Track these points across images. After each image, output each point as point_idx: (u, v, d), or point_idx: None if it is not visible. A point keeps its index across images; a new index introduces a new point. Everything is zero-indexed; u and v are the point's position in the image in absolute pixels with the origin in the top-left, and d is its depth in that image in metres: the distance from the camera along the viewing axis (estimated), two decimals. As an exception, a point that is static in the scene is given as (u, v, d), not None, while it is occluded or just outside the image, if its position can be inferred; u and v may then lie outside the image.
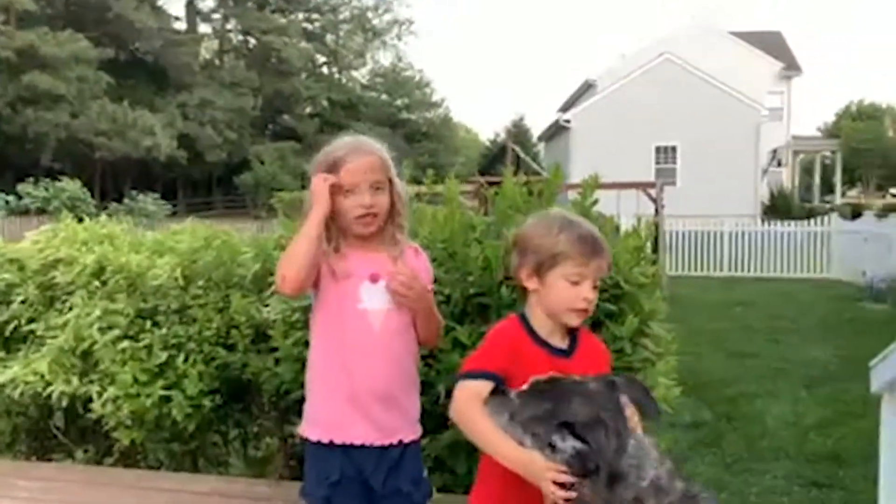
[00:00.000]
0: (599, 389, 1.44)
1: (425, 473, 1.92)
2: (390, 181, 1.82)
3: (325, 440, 1.78)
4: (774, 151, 26.12)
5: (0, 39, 31.00)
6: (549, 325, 1.62)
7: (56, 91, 31.38)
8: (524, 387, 1.49)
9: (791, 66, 28.54)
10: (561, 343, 1.63)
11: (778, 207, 22.81)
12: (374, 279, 1.79)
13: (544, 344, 1.60)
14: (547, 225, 1.63)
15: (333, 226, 1.80)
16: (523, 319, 1.64)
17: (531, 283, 1.62)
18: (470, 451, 2.28)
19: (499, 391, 1.50)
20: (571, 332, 1.65)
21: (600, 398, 1.42)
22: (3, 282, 2.99)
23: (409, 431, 1.84)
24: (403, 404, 1.83)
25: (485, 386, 1.52)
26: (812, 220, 14.09)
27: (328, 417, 1.80)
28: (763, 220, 16.56)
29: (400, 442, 1.80)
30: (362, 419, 1.77)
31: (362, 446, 1.76)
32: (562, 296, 1.58)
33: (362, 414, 1.77)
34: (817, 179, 29.07)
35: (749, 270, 13.65)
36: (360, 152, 1.80)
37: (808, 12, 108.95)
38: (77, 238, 2.98)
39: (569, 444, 1.38)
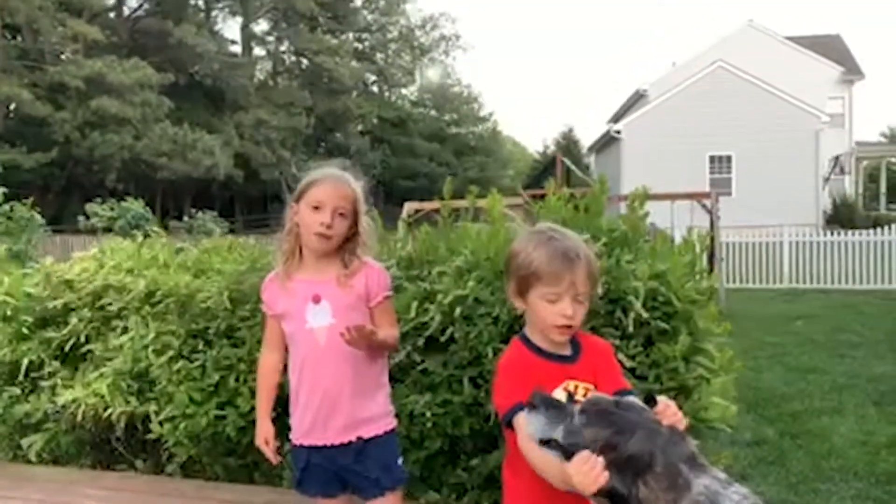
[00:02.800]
0: (666, 432, 1.39)
1: (400, 461, 2.10)
2: (357, 214, 2.02)
3: (297, 443, 2.08)
4: (836, 159, 25.19)
5: (69, 69, 32.58)
6: (547, 338, 1.65)
7: (122, 115, 32.76)
8: (587, 404, 1.45)
9: (852, 70, 27.55)
10: (565, 350, 1.66)
11: (841, 216, 21.97)
12: (316, 300, 1.99)
13: (550, 356, 1.63)
14: (526, 242, 1.66)
15: (296, 239, 2.03)
16: (524, 339, 1.68)
17: (519, 304, 1.67)
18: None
19: (554, 403, 1.47)
20: (572, 338, 1.68)
21: (662, 439, 1.37)
22: (59, 303, 3.10)
23: (372, 428, 2.04)
24: (360, 405, 2.02)
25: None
26: (878, 230, 13.50)
27: (296, 426, 2.07)
28: (825, 230, 15.97)
29: (359, 438, 2.02)
30: (321, 425, 2.01)
31: (323, 446, 2.02)
32: (542, 315, 1.61)
33: (320, 421, 2.01)
34: (883, 187, 27.87)
35: (811, 282, 13.16)
36: (334, 180, 2.01)
37: (868, 14, 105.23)
38: (122, 266, 3.07)
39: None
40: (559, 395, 1.59)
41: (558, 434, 1.42)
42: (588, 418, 1.41)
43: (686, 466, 1.33)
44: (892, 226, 13.51)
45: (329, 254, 2.01)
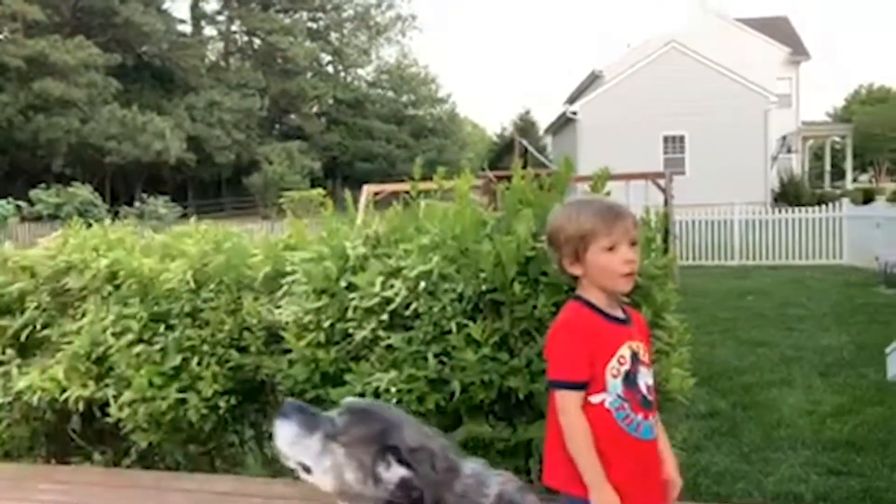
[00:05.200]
0: (422, 426, 1.49)
1: None
2: None
3: None
4: (784, 138, 25.90)
5: (9, 48, 31.26)
6: (605, 300, 1.71)
7: (67, 97, 31.65)
8: (341, 409, 1.50)
9: (799, 52, 28.27)
10: (619, 313, 1.72)
11: (788, 194, 22.63)
12: None
13: (610, 317, 1.69)
14: (566, 213, 1.74)
15: None
16: (584, 302, 1.71)
17: (576, 270, 1.71)
18: (485, 444, 2.29)
19: (308, 411, 1.52)
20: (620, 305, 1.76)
21: (427, 428, 1.46)
22: (16, 289, 3.01)
23: None
24: None
25: (578, 396, 1.63)
26: (823, 206, 13.97)
27: None
28: (773, 208, 16.44)
29: None
30: None
31: None
32: (604, 266, 1.67)
33: None
34: (827, 165, 28.82)
35: (761, 258, 13.57)
36: None
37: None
38: (87, 244, 3.00)
39: (393, 473, 1.39)
40: (625, 353, 1.65)
41: (315, 441, 1.45)
42: (352, 418, 1.46)
43: (449, 452, 1.42)
44: (837, 202, 14.00)
45: None
